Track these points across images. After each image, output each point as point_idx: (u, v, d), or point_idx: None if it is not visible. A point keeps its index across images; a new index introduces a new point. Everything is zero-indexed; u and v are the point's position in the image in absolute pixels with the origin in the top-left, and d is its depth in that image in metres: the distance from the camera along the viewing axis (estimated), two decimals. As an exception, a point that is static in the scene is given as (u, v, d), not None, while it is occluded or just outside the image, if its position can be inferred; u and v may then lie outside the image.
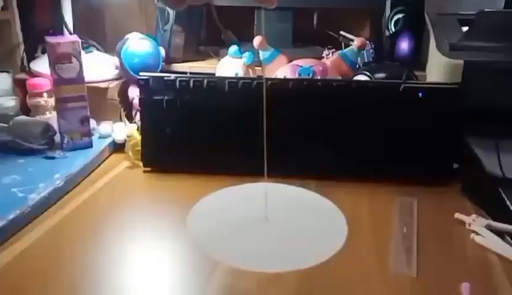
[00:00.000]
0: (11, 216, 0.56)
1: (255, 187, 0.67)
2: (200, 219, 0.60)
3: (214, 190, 0.67)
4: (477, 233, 0.57)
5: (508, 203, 0.61)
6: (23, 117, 0.77)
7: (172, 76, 0.71)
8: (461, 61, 0.75)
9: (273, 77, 0.80)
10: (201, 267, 0.51)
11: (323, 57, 0.85)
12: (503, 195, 0.63)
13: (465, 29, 0.83)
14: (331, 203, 0.64)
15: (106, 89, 0.85)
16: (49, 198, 0.63)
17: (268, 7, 0.33)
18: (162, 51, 0.87)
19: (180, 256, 0.54)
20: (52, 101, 0.81)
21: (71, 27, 0.97)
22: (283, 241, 0.56)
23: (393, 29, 0.87)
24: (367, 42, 0.83)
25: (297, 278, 0.49)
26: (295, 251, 0.54)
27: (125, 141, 0.77)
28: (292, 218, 0.61)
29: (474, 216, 0.60)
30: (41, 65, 0.87)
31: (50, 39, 0.71)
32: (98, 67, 0.88)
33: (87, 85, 0.75)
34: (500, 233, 0.56)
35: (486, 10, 0.75)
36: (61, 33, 0.95)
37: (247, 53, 0.82)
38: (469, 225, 0.59)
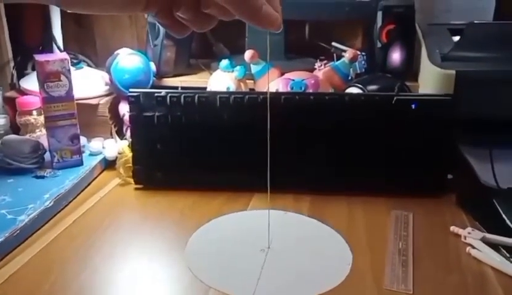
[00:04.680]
0: (-1, 239, 0.55)
1: (253, 215, 0.65)
2: (199, 249, 0.58)
3: (207, 206, 0.67)
4: (473, 247, 0.57)
5: (503, 214, 0.61)
6: (12, 136, 0.76)
7: (163, 92, 0.70)
8: (453, 71, 0.75)
9: (265, 91, 0.79)
10: (195, 291, 0.50)
11: (315, 69, 0.84)
12: (497, 206, 0.62)
13: (456, 39, 0.83)
14: (333, 230, 0.61)
15: (97, 105, 0.84)
16: (39, 219, 0.61)
17: (273, 31, 0.32)
18: (153, 66, 0.86)
19: (174, 278, 0.53)
20: (41, 119, 0.80)
21: (60, 43, 0.96)
22: (284, 271, 0.54)
23: (385, 40, 0.86)
24: (359, 54, 0.83)
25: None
26: (297, 281, 0.52)
27: (117, 157, 0.76)
28: (293, 247, 0.58)
29: (469, 228, 0.59)
30: (31, 82, 0.86)
31: (39, 57, 0.71)
32: (89, 84, 0.87)
33: (77, 101, 0.74)
34: (495, 246, 0.56)
35: (476, 21, 0.76)
36: (51, 50, 0.94)
37: (238, 67, 0.82)
38: (465, 238, 0.58)
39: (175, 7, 0.31)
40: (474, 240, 0.57)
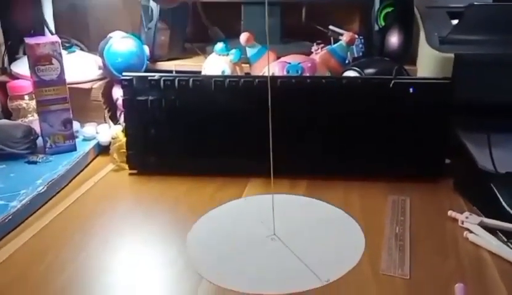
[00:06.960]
0: (-10, 225, 0.54)
1: (258, 199, 0.64)
2: (200, 240, 0.55)
3: (202, 191, 0.66)
4: (470, 231, 0.56)
5: (501, 199, 0.60)
6: (3, 121, 0.75)
7: (156, 76, 0.69)
8: (452, 55, 0.74)
9: (261, 74, 0.78)
10: (189, 275, 0.50)
11: (312, 52, 0.83)
12: (495, 190, 0.62)
13: (454, 22, 0.81)
14: (342, 211, 0.59)
15: (90, 90, 0.83)
16: (31, 205, 0.61)
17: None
18: (147, 49, 0.85)
19: (169, 263, 0.52)
20: (33, 104, 0.79)
21: (52, 26, 0.94)
22: (291, 260, 0.51)
23: (382, 23, 0.85)
24: (356, 37, 0.82)
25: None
26: (304, 271, 0.50)
27: (110, 143, 0.75)
28: (302, 233, 0.56)
29: (467, 213, 0.59)
30: (22, 66, 0.85)
31: (29, 40, 0.69)
32: (81, 68, 0.85)
33: (69, 86, 0.73)
34: (493, 230, 0.56)
35: (475, 3, 0.74)
36: (43, 33, 0.92)
37: (233, 51, 0.80)
38: (462, 223, 0.58)
39: None
40: (471, 225, 0.57)
